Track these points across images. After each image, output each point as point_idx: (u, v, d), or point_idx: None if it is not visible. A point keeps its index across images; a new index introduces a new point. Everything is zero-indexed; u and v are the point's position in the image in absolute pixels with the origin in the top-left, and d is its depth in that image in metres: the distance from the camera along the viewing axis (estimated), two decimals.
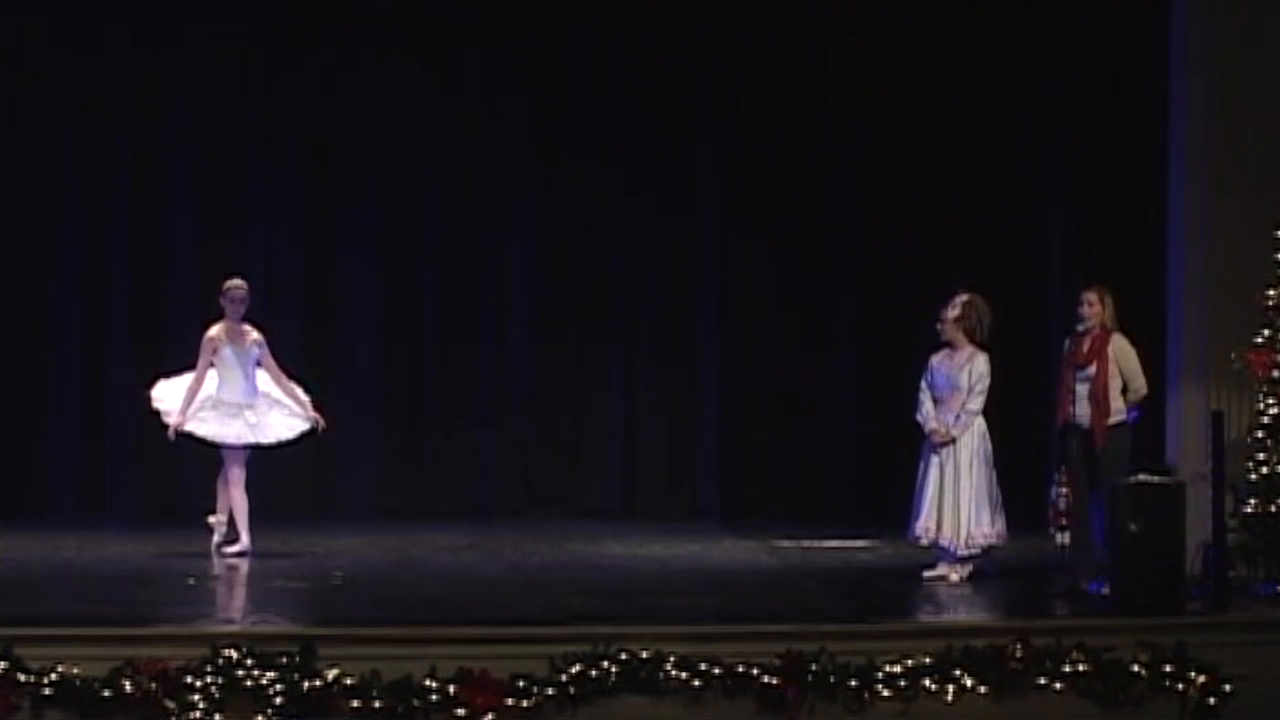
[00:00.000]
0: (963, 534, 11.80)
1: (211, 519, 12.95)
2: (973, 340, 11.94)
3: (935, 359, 12.01)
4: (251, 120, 15.76)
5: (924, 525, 11.90)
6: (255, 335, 12.96)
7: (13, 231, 15.62)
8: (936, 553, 11.92)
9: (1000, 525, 11.87)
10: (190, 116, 15.67)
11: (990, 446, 11.87)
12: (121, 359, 15.34)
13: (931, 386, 11.96)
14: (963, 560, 11.84)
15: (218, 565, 12.57)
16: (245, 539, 12.80)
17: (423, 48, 15.78)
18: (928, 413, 11.92)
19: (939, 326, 11.97)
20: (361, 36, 15.70)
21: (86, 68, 15.62)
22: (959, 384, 11.84)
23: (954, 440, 11.80)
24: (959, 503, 11.78)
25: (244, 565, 12.54)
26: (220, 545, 12.91)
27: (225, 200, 15.75)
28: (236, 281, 12.92)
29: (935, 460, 11.87)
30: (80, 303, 15.71)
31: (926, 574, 11.88)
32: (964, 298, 11.97)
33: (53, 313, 15.70)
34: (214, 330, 12.87)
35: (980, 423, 11.87)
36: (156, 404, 12.98)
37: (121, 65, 15.71)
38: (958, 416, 11.80)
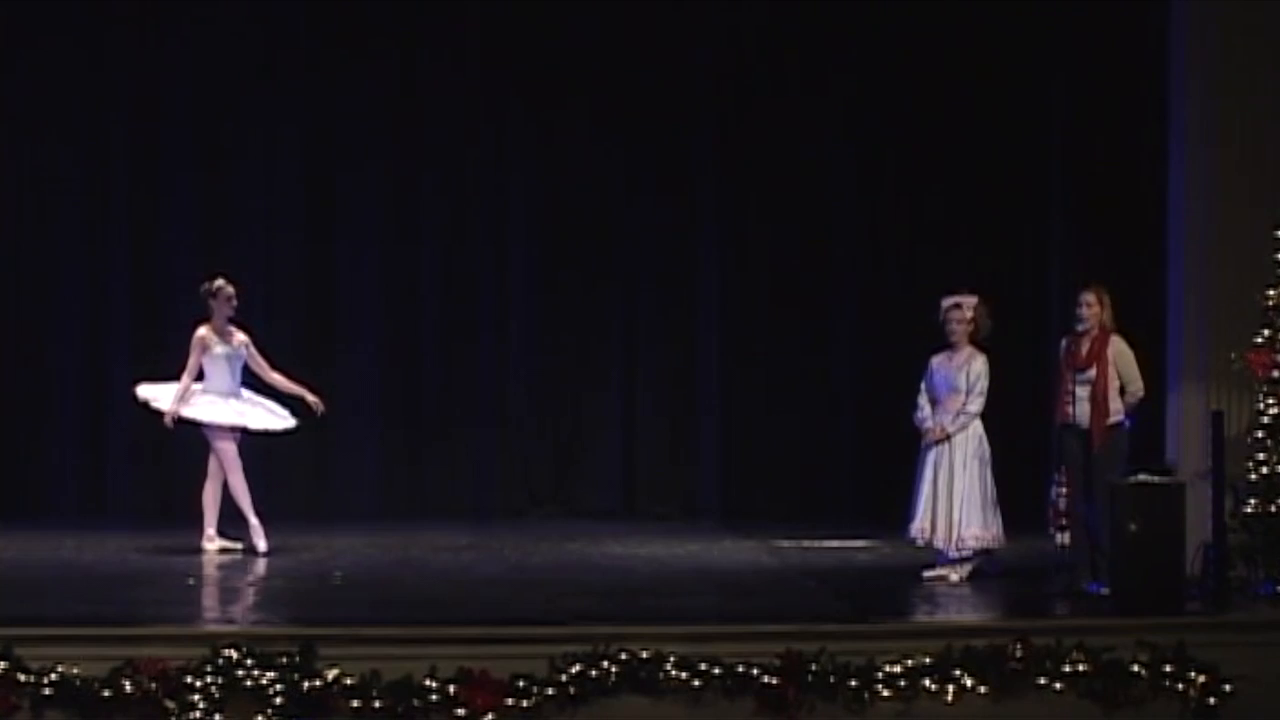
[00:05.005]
0: (953, 536, 11.80)
1: (211, 546, 12.96)
2: (974, 342, 11.94)
3: (935, 360, 12.00)
4: (251, 119, 15.75)
5: (919, 526, 11.91)
6: (241, 336, 13.15)
7: (13, 232, 15.61)
8: (934, 553, 11.93)
9: (996, 528, 11.86)
10: (190, 116, 15.66)
11: (988, 449, 11.86)
12: (121, 359, 15.34)
13: (930, 388, 11.95)
14: (961, 561, 11.84)
15: (217, 563, 12.60)
16: (254, 521, 12.88)
17: (423, 46, 15.79)
18: (925, 414, 11.93)
19: (952, 326, 11.90)
20: (361, 35, 15.69)
21: (86, 68, 15.61)
22: (957, 385, 11.83)
23: (949, 438, 11.80)
24: (951, 505, 11.79)
25: (244, 562, 12.56)
26: (222, 548, 12.95)
27: (225, 200, 15.74)
28: (221, 282, 13.03)
29: (930, 461, 11.87)
30: (80, 303, 15.71)
31: (926, 574, 11.87)
32: (974, 300, 11.94)
33: (53, 313, 15.69)
34: (203, 330, 13.04)
35: (977, 425, 11.86)
36: (143, 395, 13.08)
37: (121, 65, 15.70)
38: (956, 416, 11.81)
